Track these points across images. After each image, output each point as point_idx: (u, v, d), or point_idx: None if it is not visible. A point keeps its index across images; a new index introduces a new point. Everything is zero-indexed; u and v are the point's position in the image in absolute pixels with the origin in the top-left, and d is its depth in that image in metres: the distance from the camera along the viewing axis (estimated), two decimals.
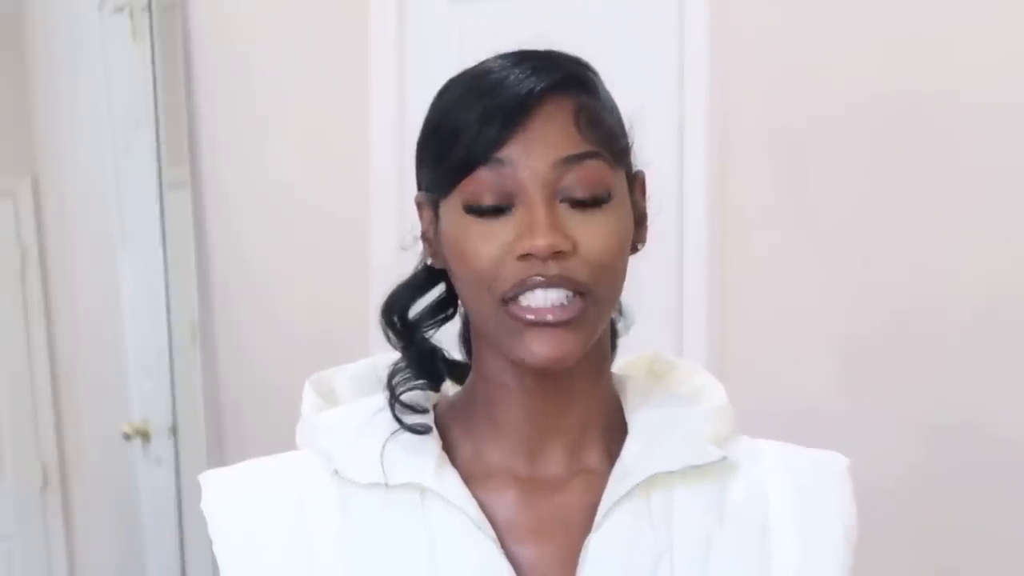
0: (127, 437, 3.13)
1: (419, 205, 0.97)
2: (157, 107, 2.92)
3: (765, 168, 2.09)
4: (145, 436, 3.11)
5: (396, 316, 0.99)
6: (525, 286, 0.88)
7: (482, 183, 0.89)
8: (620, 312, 1.02)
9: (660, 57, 2.16)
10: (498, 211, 0.89)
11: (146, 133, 2.96)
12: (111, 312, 3.27)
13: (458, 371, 1.03)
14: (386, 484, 0.93)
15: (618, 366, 1.05)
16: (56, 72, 3.44)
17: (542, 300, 0.88)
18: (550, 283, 0.87)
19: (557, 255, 0.87)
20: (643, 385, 1.02)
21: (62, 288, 3.57)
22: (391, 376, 0.98)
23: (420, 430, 0.95)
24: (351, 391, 1.03)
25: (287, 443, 1.03)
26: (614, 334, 1.02)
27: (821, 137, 2.03)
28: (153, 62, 2.91)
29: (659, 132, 2.13)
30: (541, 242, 0.86)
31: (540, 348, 0.88)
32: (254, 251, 2.83)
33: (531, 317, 0.88)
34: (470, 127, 0.88)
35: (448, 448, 0.97)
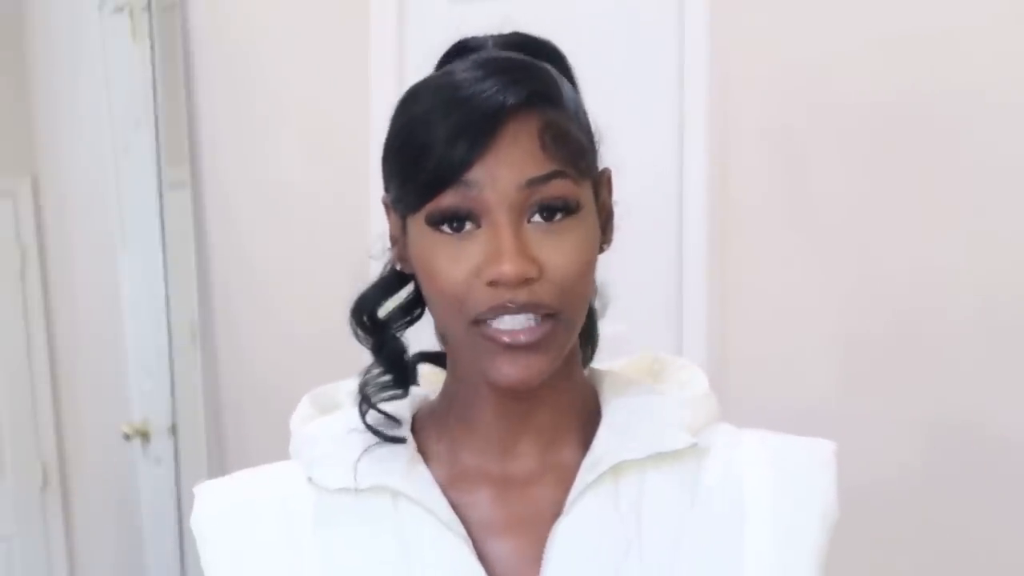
0: (127, 437, 3.14)
1: (386, 206, 0.98)
2: (157, 107, 2.92)
3: (765, 168, 2.09)
4: (145, 436, 3.12)
5: (366, 316, 0.99)
6: (495, 312, 0.88)
7: (448, 204, 0.89)
8: (595, 289, 1.01)
9: (660, 57, 2.17)
10: (465, 227, 0.89)
11: (146, 133, 2.97)
12: (111, 312, 3.27)
13: (442, 360, 1.04)
14: (356, 488, 0.94)
15: (619, 365, 1.05)
16: (56, 72, 3.44)
17: (510, 324, 0.89)
18: (520, 310, 0.88)
19: (525, 281, 0.87)
20: (621, 378, 1.02)
21: (62, 288, 3.57)
22: (363, 385, 0.99)
23: (396, 440, 0.96)
24: (352, 405, 1.03)
25: (287, 443, 1.03)
26: (593, 317, 1.02)
27: (821, 137, 2.03)
28: (153, 62, 2.91)
29: (659, 132, 2.13)
30: (508, 269, 0.87)
31: (510, 370, 0.89)
32: (254, 251, 2.83)
33: (506, 340, 0.89)
34: (436, 147, 0.88)
35: (422, 449, 0.98)
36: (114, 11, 3.06)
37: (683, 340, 2.15)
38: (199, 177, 2.89)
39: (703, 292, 2.13)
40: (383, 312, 1.00)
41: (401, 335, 1.00)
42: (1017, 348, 1.88)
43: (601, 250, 0.96)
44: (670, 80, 2.15)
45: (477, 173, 0.88)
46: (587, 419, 0.99)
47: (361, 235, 2.49)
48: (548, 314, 0.89)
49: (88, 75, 3.25)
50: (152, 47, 2.91)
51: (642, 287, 2.06)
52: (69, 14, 3.31)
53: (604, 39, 2.18)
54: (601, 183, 0.96)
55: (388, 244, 0.99)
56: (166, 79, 2.91)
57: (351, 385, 1.05)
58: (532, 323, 0.89)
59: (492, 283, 0.88)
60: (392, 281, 1.00)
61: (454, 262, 0.89)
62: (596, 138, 0.96)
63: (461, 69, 0.92)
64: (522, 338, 0.88)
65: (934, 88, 1.92)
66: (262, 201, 2.80)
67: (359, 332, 1.00)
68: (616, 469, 0.94)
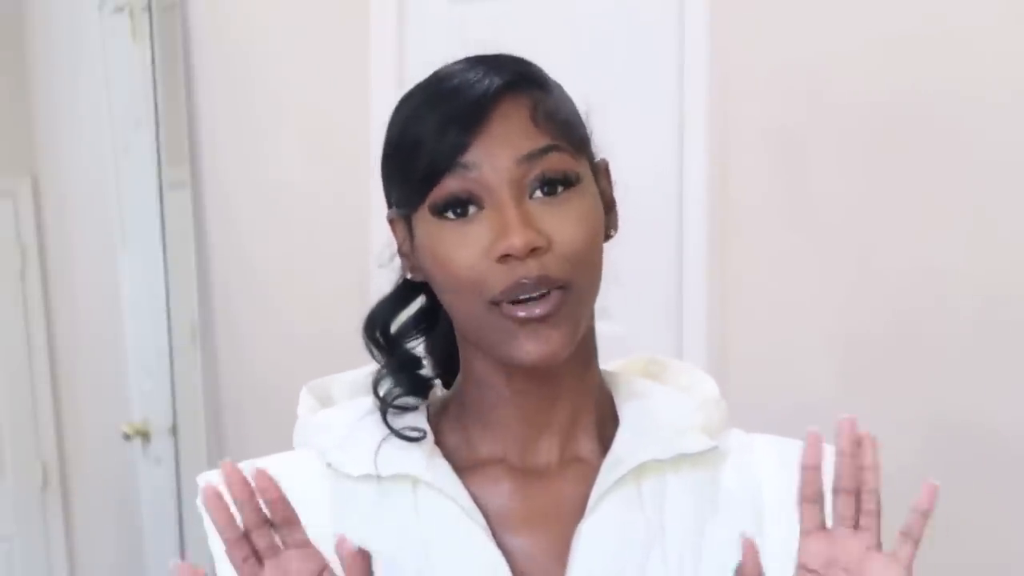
0: (127, 437, 3.14)
1: (391, 222, 0.99)
2: (157, 107, 2.92)
3: (765, 167, 2.09)
4: (145, 436, 3.12)
5: (379, 331, 1.00)
6: (511, 294, 0.89)
7: (450, 190, 0.89)
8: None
9: (660, 57, 2.17)
10: (470, 211, 0.90)
11: (146, 133, 2.97)
12: (111, 312, 3.27)
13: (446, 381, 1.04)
14: (378, 476, 0.94)
15: (614, 367, 1.06)
16: (56, 72, 3.44)
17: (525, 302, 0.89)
18: (535, 285, 0.88)
19: (534, 251, 0.88)
20: (634, 380, 1.03)
21: (62, 288, 3.57)
22: (376, 381, 0.99)
23: (414, 437, 0.96)
24: (348, 397, 1.04)
25: (287, 443, 1.03)
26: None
27: (821, 136, 2.03)
28: (153, 62, 2.91)
29: (659, 132, 2.13)
30: (517, 241, 0.87)
31: (532, 347, 0.89)
32: (254, 251, 2.83)
33: (522, 314, 0.89)
34: (430, 137, 0.90)
35: (440, 442, 0.98)
36: (114, 11, 3.06)
37: (683, 340, 2.15)
38: (199, 177, 2.89)
39: (703, 292, 2.13)
40: (395, 327, 1.00)
41: (414, 349, 1.01)
42: (1017, 348, 1.88)
43: (608, 236, 0.96)
44: (670, 80, 2.15)
45: (473, 155, 0.89)
46: (603, 418, 0.99)
47: (361, 235, 2.49)
48: (559, 287, 0.89)
49: (88, 75, 3.25)
50: (152, 47, 2.91)
51: (642, 287, 2.06)
52: (69, 14, 3.31)
53: (604, 39, 2.18)
54: (599, 171, 0.97)
55: (397, 259, 0.99)
56: (166, 79, 2.91)
57: (349, 376, 1.06)
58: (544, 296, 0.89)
59: (502, 258, 0.88)
60: (403, 294, 1.00)
61: (463, 246, 0.89)
62: (587, 125, 0.97)
63: (446, 67, 0.94)
64: (537, 311, 0.88)
65: (934, 88, 1.92)
66: (262, 201, 2.80)
67: (372, 349, 1.00)
68: (637, 470, 0.94)
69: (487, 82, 0.90)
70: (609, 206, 0.97)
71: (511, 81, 0.91)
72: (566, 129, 0.92)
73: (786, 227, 2.08)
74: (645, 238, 2.17)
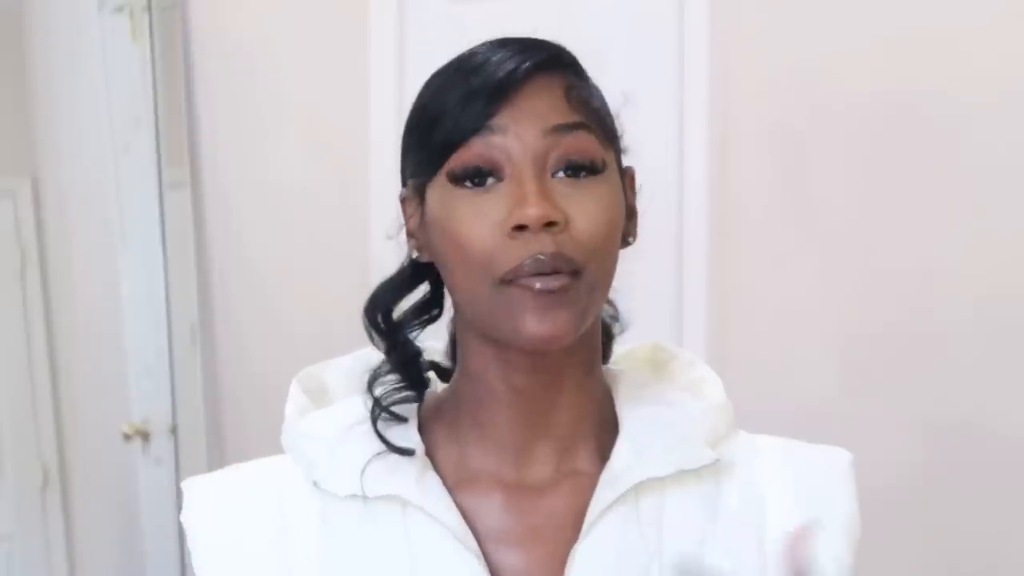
0: (127, 437, 3.13)
1: (403, 201, 0.96)
2: (157, 107, 2.92)
3: (765, 167, 2.09)
4: (145, 436, 3.11)
5: (380, 315, 0.96)
6: (522, 272, 0.86)
7: (471, 153, 0.87)
8: (615, 314, 1.00)
9: (660, 56, 2.16)
10: (487, 182, 0.87)
11: (146, 133, 2.96)
12: (111, 312, 3.27)
13: (448, 376, 1.01)
14: (365, 496, 0.92)
15: (618, 354, 1.03)
16: (56, 72, 3.44)
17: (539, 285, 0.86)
18: (551, 261, 0.85)
19: (549, 226, 0.85)
20: (637, 381, 0.99)
21: (62, 288, 3.57)
22: (371, 381, 0.96)
23: (404, 452, 0.93)
24: (343, 387, 1.01)
25: None
26: (608, 336, 1.01)
27: (821, 136, 2.03)
28: (153, 62, 2.91)
29: (659, 131, 2.13)
30: (532, 212, 0.85)
31: (536, 326, 0.86)
32: (254, 251, 2.83)
33: (539, 285, 0.86)
34: (457, 104, 0.87)
35: (432, 452, 0.95)
36: (114, 11, 3.06)
37: (683, 339, 2.15)
38: (199, 177, 2.89)
39: (703, 292, 2.13)
40: (398, 312, 0.97)
41: (416, 336, 0.97)
42: (1016, 348, 1.88)
43: (626, 243, 0.94)
44: (670, 79, 2.15)
45: (500, 120, 0.86)
46: (602, 424, 0.96)
47: (361, 235, 2.49)
48: (571, 273, 0.86)
49: (88, 75, 3.25)
50: (152, 47, 2.91)
51: (642, 287, 2.06)
52: (69, 14, 3.31)
53: (604, 39, 2.18)
54: (625, 177, 0.95)
55: (405, 239, 0.97)
56: (166, 79, 2.91)
57: (346, 363, 1.03)
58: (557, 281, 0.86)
59: (516, 231, 0.85)
60: (408, 278, 0.97)
61: (476, 217, 0.87)
62: (620, 127, 0.95)
63: (476, 46, 0.92)
64: (554, 283, 0.85)
65: (934, 88, 1.92)
66: (262, 201, 2.80)
67: (372, 333, 0.97)
68: (637, 486, 0.91)
69: (520, 58, 0.88)
70: (630, 213, 0.95)
71: (546, 59, 0.89)
72: (598, 115, 0.90)
73: (786, 227, 2.07)
74: (644, 238, 2.17)
